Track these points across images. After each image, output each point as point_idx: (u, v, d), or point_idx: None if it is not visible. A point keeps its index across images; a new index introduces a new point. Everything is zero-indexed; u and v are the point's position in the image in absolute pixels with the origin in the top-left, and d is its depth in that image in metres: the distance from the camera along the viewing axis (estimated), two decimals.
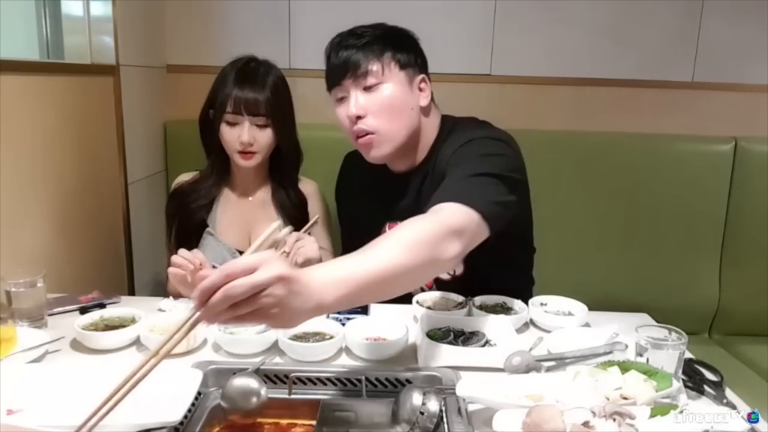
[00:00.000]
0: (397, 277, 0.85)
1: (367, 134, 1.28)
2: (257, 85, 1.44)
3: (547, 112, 2.06)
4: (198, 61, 1.97)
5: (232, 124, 1.45)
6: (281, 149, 1.53)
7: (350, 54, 1.26)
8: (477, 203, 1.02)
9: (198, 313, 0.71)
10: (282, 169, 1.57)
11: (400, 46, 1.30)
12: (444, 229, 0.94)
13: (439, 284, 1.39)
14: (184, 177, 1.60)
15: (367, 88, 1.27)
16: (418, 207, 1.15)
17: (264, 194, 1.57)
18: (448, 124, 1.36)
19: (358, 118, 1.27)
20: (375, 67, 1.26)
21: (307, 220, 1.42)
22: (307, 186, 1.61)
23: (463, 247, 0.96)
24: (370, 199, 1.46)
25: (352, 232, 1.54)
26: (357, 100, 1.27)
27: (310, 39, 2.00)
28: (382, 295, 0.90)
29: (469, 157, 1.19)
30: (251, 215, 1.55)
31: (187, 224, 1.54)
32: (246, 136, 1.43)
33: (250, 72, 1.47)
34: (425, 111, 1.34)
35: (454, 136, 1.30)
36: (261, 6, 1.99)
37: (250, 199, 1.57)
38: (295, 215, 1.54)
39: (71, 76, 1.53)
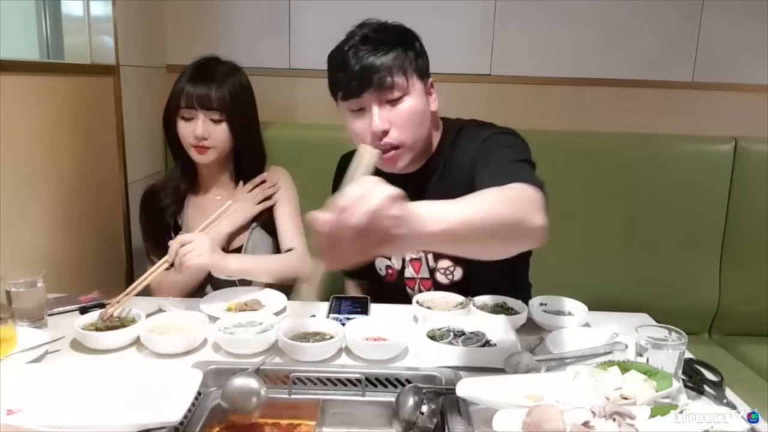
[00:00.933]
0: (490, 230, 0.83)
1: (392, 148, 1.24)
2: (212, 81, 1.44)
3: (547, 112, 2.06)
4: None
5: (187, 119, 1.45)
6: (241, 149, 1.52)
7: (370, 64, 1.18)
8: (537, 184, 0.98)
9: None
10: (245, 169, 1.56)
11: (416, 52, 1.25)
12: (528, 197, 0.92)
13: (437, 289, 1.37)
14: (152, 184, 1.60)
15: (391, 101, 1.21)
16: None
17: (231, 194, 1.55)
18: (452, 126, 1.34)
19: (384, 132, 1.22)
20: (400, 79, 1.20)
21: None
22: (275, 174, 1.58)
23: (545, 220, 0.91)
24: None
25: None
26: (381, 114, 1.21)
27: (310, 39, 2.01)
28: (472, 246, 0.87)
29: (496, 148, 1.18)
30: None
31: (159, 224, 1.53)
32: (200, 130, 1.43)
33: (206, 69, 1.47)
34: (434, 115, 1.31)
35: (465, 139, 1.27)
36: (261, 6, 1.99)
37: (218, 198, 1.56)
38: (263, 215, 1.54)
39: (71, 76, 1.53)
